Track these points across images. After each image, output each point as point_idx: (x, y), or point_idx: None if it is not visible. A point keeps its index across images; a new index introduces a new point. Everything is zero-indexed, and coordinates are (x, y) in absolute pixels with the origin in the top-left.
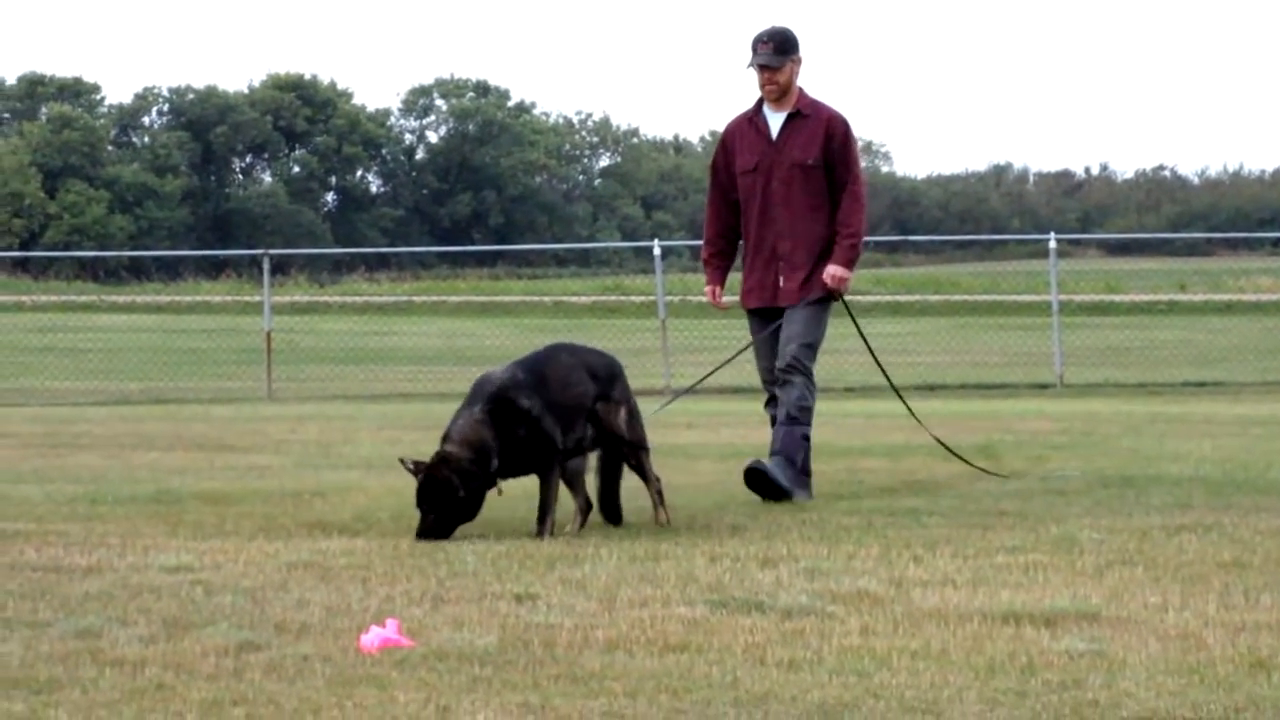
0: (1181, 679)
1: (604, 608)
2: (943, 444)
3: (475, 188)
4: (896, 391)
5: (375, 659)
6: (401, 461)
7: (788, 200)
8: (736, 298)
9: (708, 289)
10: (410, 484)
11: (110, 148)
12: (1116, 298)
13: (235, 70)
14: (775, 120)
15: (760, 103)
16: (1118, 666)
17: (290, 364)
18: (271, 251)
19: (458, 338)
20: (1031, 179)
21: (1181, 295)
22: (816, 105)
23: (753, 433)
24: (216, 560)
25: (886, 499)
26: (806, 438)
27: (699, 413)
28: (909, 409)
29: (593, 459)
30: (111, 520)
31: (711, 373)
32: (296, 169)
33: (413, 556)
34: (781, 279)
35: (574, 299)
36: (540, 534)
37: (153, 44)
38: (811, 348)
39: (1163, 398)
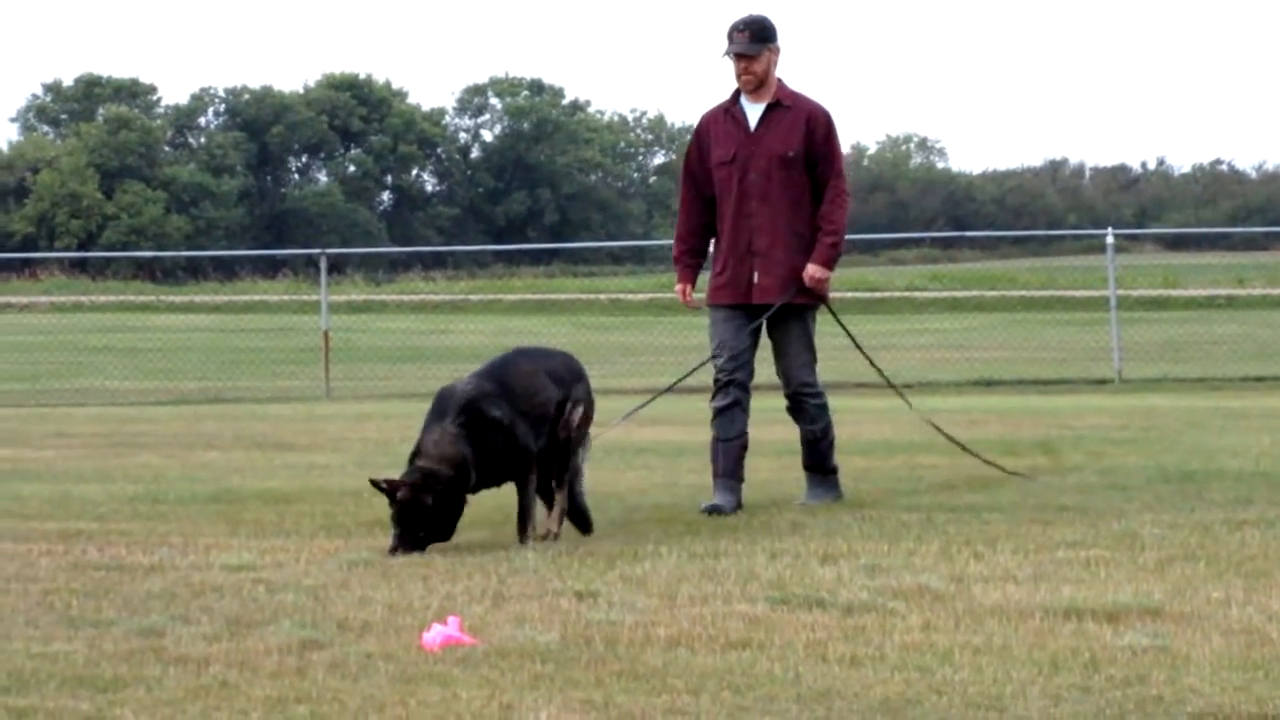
0: (1245, 674)
1: (665, 605)
2: (960, 443)
3: (530, 186)
4: (894, 386)
5: (437, 656)
6: (374, 483)
7: (766, 194)
8: (704, 295)
9: (678, 287)
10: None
11: (167, 148)
12: (1174, 292)
13: (291, 70)
14: (754, 111)
15: (737, 93)
16: (1181, 662)
17: (347, 363)
18: (328, 251)
19: (513, 336)
20: (1088, 174)
21: (1240, 290)
22: (797, 97)
23: None
24: (278, 559)
25: (946, 495)
26: (832, 443)
27: (761, 409)
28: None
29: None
30: (173, 519)
31: (653, 397)
32: (352, 168)
33: (473, 554)
34: (756, 274)
35: (629, 297)
36: (523, 540)
37: (209, 45)
38: (812, 365)
39: (1222, 392)
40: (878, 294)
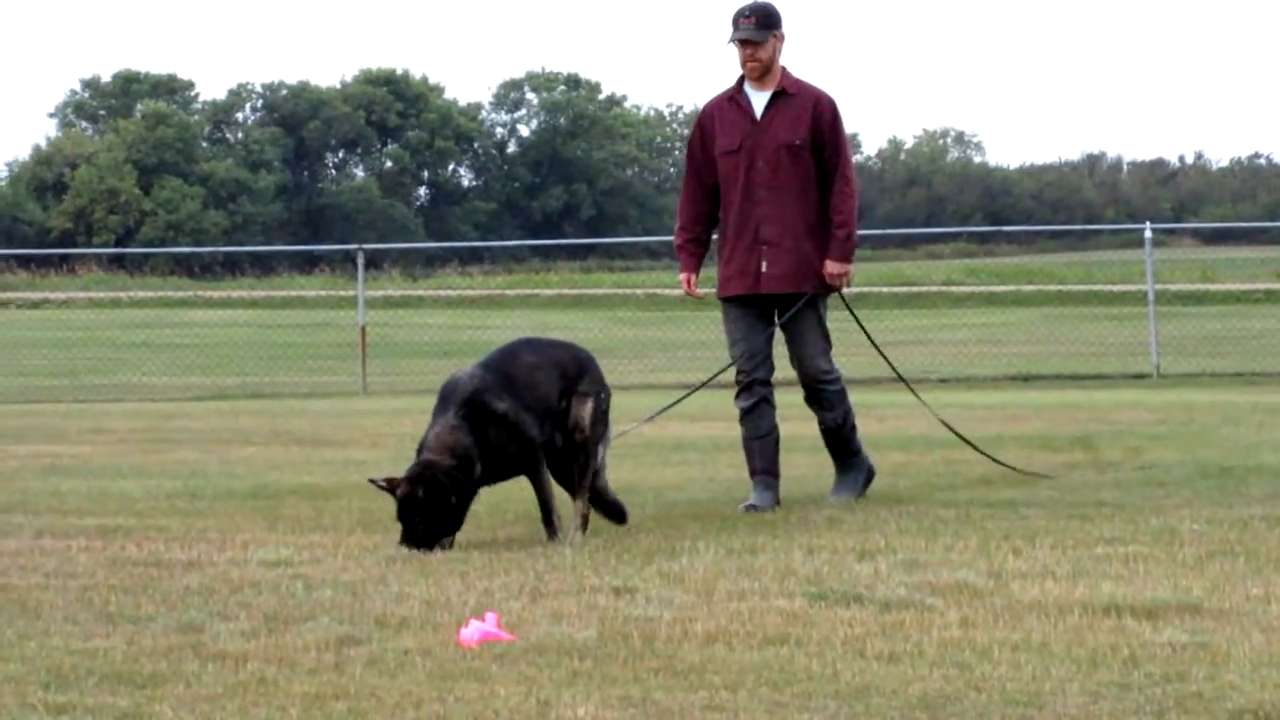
0: None
1: (702, 600)
2: (966, 439)
3: (567, 181)
4: (906, 382)
5: (475, 653)
6: (372, 481)
7: (774, 182)
8: (712, 290)
9: (681, 276)
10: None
11: (204, 144)
12: (1213, 287)
13: (327, 65)
14: (759, 99)
15: (741, 81)
16: (1221, 659)
17: (384, 358)
18: (365, 246)
19: (550, 331)
20: (1125, 168)
21: (1279, 284)
22: (802, 85)
23: None
24: (316, 555)
25: (983, 490)
26: (854, 428)
27: (790, 404)
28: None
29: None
30: (211, 515)
31: (681, 398)
32: (389, 163)
33: (510, 550)
34: (765, 264)
35: (666, 291)
36: (551, 535)
37: (246, 41)
38: (827, 351)
39: (1261, 387)
40: (914, 288)
